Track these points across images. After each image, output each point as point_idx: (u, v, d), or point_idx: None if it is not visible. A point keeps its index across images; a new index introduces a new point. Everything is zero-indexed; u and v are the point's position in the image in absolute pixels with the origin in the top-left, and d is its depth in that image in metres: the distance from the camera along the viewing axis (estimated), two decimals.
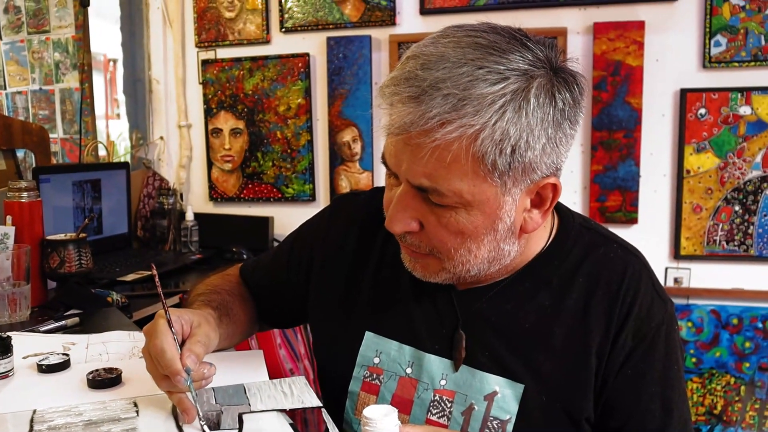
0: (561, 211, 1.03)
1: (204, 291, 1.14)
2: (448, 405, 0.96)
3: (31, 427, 0.87)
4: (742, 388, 2.37)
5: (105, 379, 1.02)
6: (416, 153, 0.81)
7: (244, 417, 0.89)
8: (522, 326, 0.95)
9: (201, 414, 0.86)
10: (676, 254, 2.39)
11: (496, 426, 0.93)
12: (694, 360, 2.39)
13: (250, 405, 0.94)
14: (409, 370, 0.99)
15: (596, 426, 0.95)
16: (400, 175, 0.85)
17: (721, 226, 2.36)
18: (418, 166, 0.81)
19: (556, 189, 0.88)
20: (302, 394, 0.97)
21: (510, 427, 0.93)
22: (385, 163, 0.88)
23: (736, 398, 2.37)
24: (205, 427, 0.85)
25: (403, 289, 1.02)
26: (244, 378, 1.04)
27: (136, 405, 0.95)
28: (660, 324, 0.95)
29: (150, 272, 1.15)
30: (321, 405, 0.94)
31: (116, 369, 1.05)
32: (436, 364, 0.97)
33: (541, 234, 0.98)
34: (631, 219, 2.41)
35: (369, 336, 1.02)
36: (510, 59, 0.79)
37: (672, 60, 2.35)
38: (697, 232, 2.38)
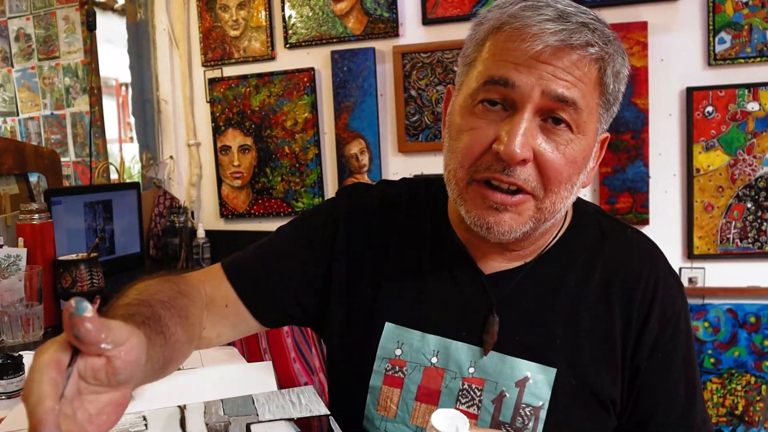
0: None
1: (131, 302, 0.81)
2: (478, 393, 0.93)
3: None
4: (763, 387, 2.33)
5: None
6: (561, 68, 0.83)
7: (252, 427, 0.89)
8: (552, 309, 0.94)
9: None
10: (690, 254, 2.37)
11: (528, 413, 0.91)
12: (712, 360, 2.36)
13: (258, 415, 0.93)
14: (434, 360, 0.95)
15: (624, 411, 0.95)
16: (528, 92, 0.83)
17: (733, 224, 2.34)
18: (559, 78, 0.83)
19: (605, 143, 0.95)
20: (310, 403, 0.97)
21: (543, 413, 0.90)
22: (499, 83, 0.85)
23: (758, 398, 2.34)
24: None
25: (424, 278, 0.99)
26: (254, 389, 1.04)
27: (145, 419, 0.95)
28: (681, 307, 0.96)
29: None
30: (329, 413, 0.93)
31: None
32: (464, 352, 0.94)
33: (559, 219, 0.97)
34: (642, 220, 2.39)
35: (389, 327, 0.98)
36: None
37: (677, 59, 2.34)
38: (709, 231, 2.35)
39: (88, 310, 0.53)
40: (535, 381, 0.91)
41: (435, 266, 0.99)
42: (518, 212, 0.87)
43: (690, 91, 2.32)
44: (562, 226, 0.99)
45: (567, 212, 1.00)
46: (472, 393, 0.93)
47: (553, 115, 0.84)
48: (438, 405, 0.94)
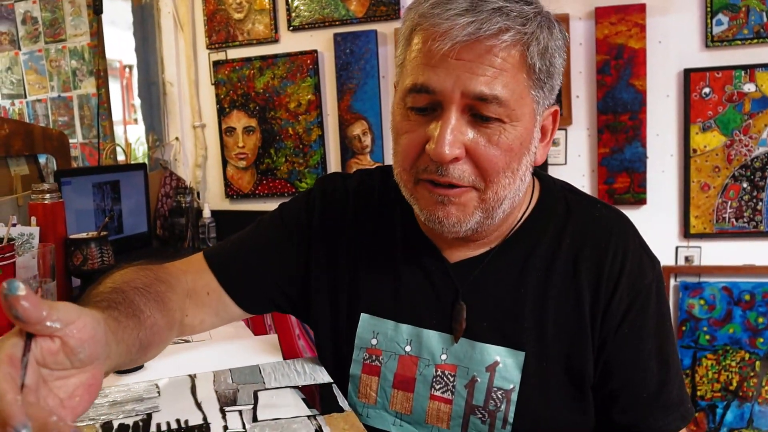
0: (541, 176, 1.04)
1: (103, 290, 0.82)
2: (451, 379, 0.95)
3: None
4: (757, 363, 2.37)
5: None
6: (477, 62, 0.82)
7: (259, 394, 0.93)
8: (518, 292, 0.95)
9: None
10: (686, 233, 2.40)
11: (500, 396, 0.93)
12: (707, 337, 2.40)
13: (264, 383, 0.98)
14: (408, 348, 0.98)
15: (596, 387, 0.95)
16: (449, 94, 0.83)
17: (729, 203, 2.37)
18: (477, 75, 0.82)
19: (556, 116, 0.94)
20: (314, 372, 1.01)
21: (515, 396, 0.92)
22: (421, 91, 0.85)
23: (752, 374, 2.38)
24: None
25: (396, 268, 1.01)
26: (260, 360, 1.08)
27: (157, 387, 0.99)
28: (651, 281, 0.95)
29: None
30: (332, 381, 0.98)
31: None
32: (435, 339, 0.97)
33: (524, 200, 0.98)
34: (639, 200, 2.42)
35: (364, 318, 1.01)
36: None
37: (674, 41, 2.36)
38: (705, 211, 2.39)
39: (21, 288, 0.53)
40: (505, 365, 0.93)
41: (405, 257, 1.01)
42: (462, 204, 0.88)
43: (687, 73, 2.34)
44: (527, 208, 0.99)
45: (533, 193, 1.01)
46: (445, 379, 0.95)
47: (479, 113, 0.84)
48: (414, 392, 0.96)
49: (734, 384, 2.40)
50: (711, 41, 2.31)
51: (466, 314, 0.95)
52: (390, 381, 0.98)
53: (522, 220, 0.99)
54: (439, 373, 0.96)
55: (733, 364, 2.40)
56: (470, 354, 0.95)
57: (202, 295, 1.04)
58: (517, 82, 0.84)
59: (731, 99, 2.32)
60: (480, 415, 0.93)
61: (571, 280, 0.95)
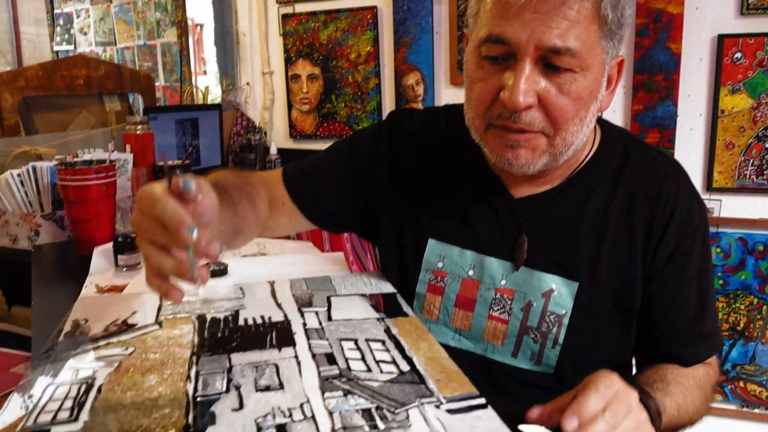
0: (602, 122, 1.01)
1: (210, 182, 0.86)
2: (509, 302, 0.95)
3: (161, 301, 0.94)
4: (764, 308, 2.33)
5: (215, 270, 1.09)
6: (551, 14, 0.78)
7: (332, 299, 0.94)
8: (577, 228, 0.94)
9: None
10: (709, 186, 2.33)
11: (553, 320, 0.93)
12: (721, 282, 2.36)
13: (335, 290, 0.99)
14: (471, 272, 0.97)
15: (638, 318, 0.94)
16: (524, 46, 0.79)
17: (751, 161, 2.29)
18: (552, 28, 0.78)
19: (622, 65, 0.89)
20: (380, 283, 1.02)
21: (566, 320, 0.92)
22: (496, 42, 0.81)
23: (758, 317, 2.34)
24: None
25: (463, 199, 1.00)
26: (330, 272, 1.09)
27: (241, 289, 1.01)
28: (698, 225, 0.93)
29: None
30: (396, 291, 0.98)
31: (223, 263, 1.12)
32: (496, 266, 0.96)
33: (586, 143, 0.96)
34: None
35: (432, 243, 1.00)
36: None
37: (711, 7, 2.25)
38: (728, 167, 2.31)
39: (192, 184, 0.65)
40: (560, 293, 0.93)
41: (473, 189, 0.99)
42: (531, 148, 0.85)
43: (721, 38, 2.24)
44: (589, 152, 0.97)
45: (594, 137, 0.98)
46: (503, 302, 0.95)
47: (551, 63, 0.80)
48: (474, 311, 0.97)
49: (741, 325, 2.37)
50: (746, 9, 2.20)
51: (527, 246, 0.94)
52: (452, 300, 0.98)
53: (584, 162, 0.96)
54: (498, 296, 0.96)
55: (742, 307, 2.36)
56: (528, 281, 0.94)
57: (278, 204, 1.06)
58: (589, 34, 0.80)
59: (761, 64, 2.22)
60: (533, 336, 0.93)
61: (626, 220, 0.93)
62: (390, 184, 1.04)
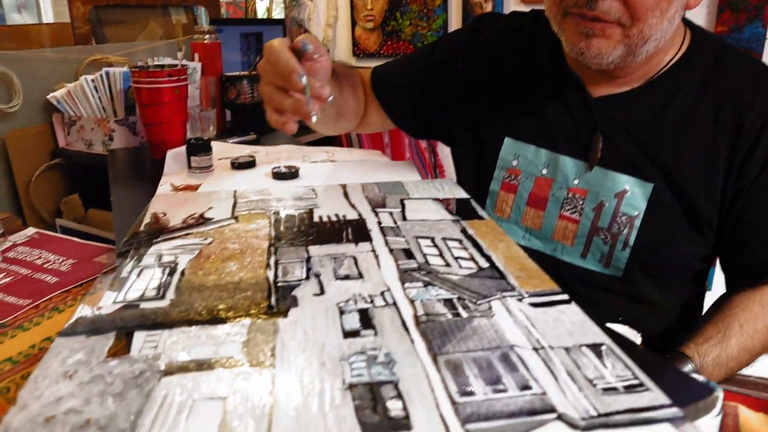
0: (694, 27, 0.96)
1: None
2: (580, 202, 0.94)
3: (235, 199, 0.95)
4: None
5: (286, 173, 1.09)
6: None
7: (405, 202, 0.93)
8: (655, 131, 0.91)
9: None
10: None
11: (624, 221, 0.91)
12: None
13: (408, 194, 0.97)
14: (544, 171, 0.97)
15: (728, 234, 0.91)
16: None
17: None
18: None
19: None
20: (452, 189, 1.00)
21: (638, 222, 0.91)
22: None
23: None
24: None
25: (540, 98, 0.99)
26: (402, 177, 1.08)
27: (314, 190, 1.01)
28: None
29: None
30: (469, 197, 0.96)
31: (294, 166, 1.12)
32: (570, 165, 0.95)
33: (671, 44, 0.91)
34: None
35: (508, 141, 1.01)
36: None
37: None
38: None
39: (309, 43, 0.78)
40: (633, 194, 0.91)
41: (550, 88, 0.98)
42: (606, 36, 0.83)
43: None
44: (675, 55, 0.92)
45: (684, 41, 0.93)
46: (575, 201, 0.94)
47: None
48: (545, 210, 0.96)
49: None
50: None
51: (602, 145, 0.92)
52: (525, 199, 0.98)
53: (668, 65, 0.91)
54: (570, 195, 0.95)
55: None
56: (602, 181, 0.92)
57: (369, 102, 1.16)
58: None
59: None
60: (603, 236, 0.92)
61: (710, 129, 0.88)
62: (469, 87, 1.05)
